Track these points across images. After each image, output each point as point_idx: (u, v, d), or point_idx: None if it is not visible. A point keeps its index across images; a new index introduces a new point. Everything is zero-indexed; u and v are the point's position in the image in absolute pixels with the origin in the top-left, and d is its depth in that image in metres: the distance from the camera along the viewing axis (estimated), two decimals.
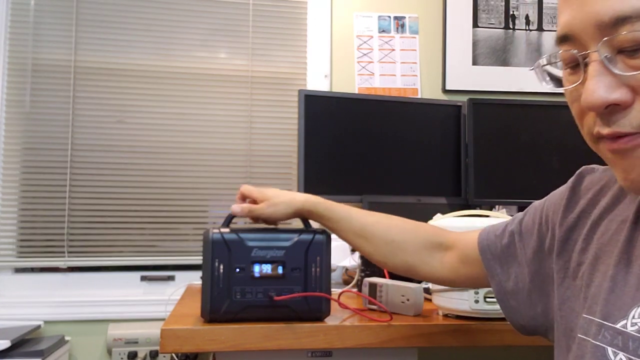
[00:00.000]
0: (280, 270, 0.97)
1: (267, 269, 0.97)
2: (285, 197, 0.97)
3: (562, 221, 0.67)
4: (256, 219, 0.99)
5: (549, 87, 0.58)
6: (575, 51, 0.51)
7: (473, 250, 0.81)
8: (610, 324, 0.54)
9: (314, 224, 1.00)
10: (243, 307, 0.96)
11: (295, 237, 0.99)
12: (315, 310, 0.99)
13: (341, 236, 0.95)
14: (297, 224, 1.04)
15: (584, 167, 0.70)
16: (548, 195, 0.74)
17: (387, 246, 0.89)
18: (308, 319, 0.99)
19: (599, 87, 0.48)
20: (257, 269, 0.97)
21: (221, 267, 0.96)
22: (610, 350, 0.53)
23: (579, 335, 0.58)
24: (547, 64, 0.57)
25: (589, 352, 0.55)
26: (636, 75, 0.47)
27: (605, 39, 0.47)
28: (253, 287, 0.96)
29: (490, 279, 0.78)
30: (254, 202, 0.99)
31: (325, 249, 1.00)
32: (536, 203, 0.76)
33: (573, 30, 0.50)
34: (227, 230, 0.98)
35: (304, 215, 0.98)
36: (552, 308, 0.68)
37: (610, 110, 0.49)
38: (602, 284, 0.57)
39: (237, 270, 0.96)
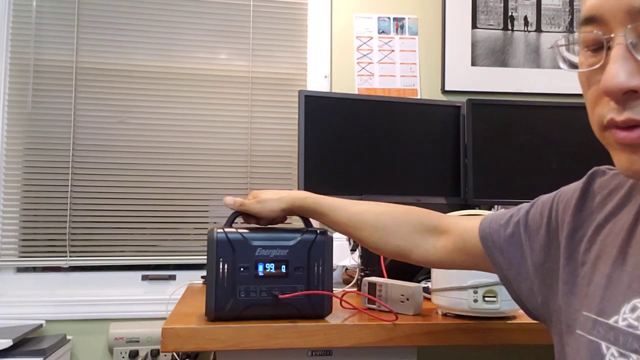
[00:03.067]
0: (283, 269, 0.99)
1: (270, 267, 0.98)
2: (274, 195, 0.98)
3: (570, 219, 0.67)
4: (248, 218, 1.01)
5: (565, 67, 0.57)
6: (600, 33, 0.50)
7: (473, 237, 0.80)
8: (603, 320, 0.56)
9: (315, 223, 1.02)
10: (247, 305, 0.97)
11: (298, 237, 1.00)
12: (317, 309, 1.00)
13: (333, 227, 0.96)
14: (298, 223, 1.04)
15: (596, 168, 0.70)
16: (558, 191, 0.73)
17: (378, 233, 0.90)
18: (310, 317, 1.00)
19: (621, 71, 0.48)
20: (260, 268, 0.98)
21: (225, 266, 0.97)
22: (603, 344, 0.55)
23: (577, 332, 0.60)
24: (563, 45, 0.56)
25: (584, 347, 0.57)
26: None
27: (634, 24, 0.47)
28: (257, 285, 0.97)
29: (492, 267, 0.78)
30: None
31: (327, 248, 1.02)
32: (544, 197, 0.75)
33: (601, 12, 0.49)
34: (231, 229, 0.99)
35: (295, 212, 0.99)
36: (553, 301, 0.69)
37: (627, 97, 0.49)
38: (600, 282, 0.59)
39: (242, 269, 0.97)
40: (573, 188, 0.71)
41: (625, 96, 0.49)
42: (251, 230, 1.00)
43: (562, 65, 0.57)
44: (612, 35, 0.49)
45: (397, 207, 0.93)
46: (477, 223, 0.81)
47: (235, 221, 1.02)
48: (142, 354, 1.74)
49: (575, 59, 0.55)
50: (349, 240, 1.57)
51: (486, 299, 1.02)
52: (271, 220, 1.02)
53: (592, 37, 0.51)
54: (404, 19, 2.05)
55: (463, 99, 1.83)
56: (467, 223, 0.84)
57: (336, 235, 1.60)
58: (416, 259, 0.89)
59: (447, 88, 2.04)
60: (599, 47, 0.51)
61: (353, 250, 1.54)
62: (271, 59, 2.01)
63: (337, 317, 1.04)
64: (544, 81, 2.07)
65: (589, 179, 0.69)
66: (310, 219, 1.05)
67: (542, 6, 2.10)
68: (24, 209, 1.85)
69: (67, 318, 1.80)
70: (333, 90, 1.99)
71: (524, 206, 0.78)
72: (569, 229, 0.67)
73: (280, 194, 0.98)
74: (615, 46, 0.48)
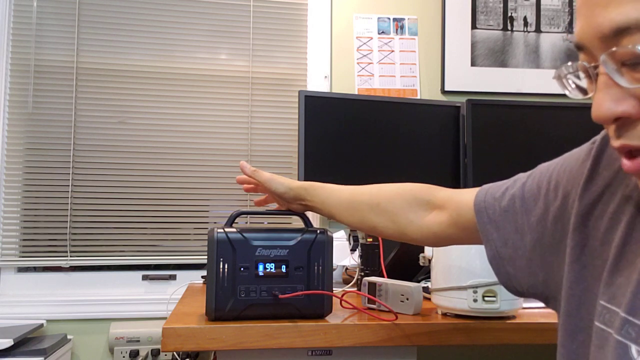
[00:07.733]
0: (283, 269, 0.99)
1: (270, 267, 0.99)
2: (286, 178, 1.03)
3: (583, 193, 0.61)
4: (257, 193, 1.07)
5: (573, 96, 0.55)
6: (585, 63, 0.49)
7: (468, 211, 0.77)
8: (636, 321, 0.51)
9: (315, 221, 1.02)
10: (247, 305, 0.98)
11: (299, 237, 1.01)
12: (317, 308, 1.01)
13: (333, 213, 0.96)
14: (298, 223, 1.05)
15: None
16: (559, 159, 0.69)
17: (372, 211, 0.89)
18: (310, 317, 1.01)
19: (605, 99, 0.47)
20: (261, 267, 0.99)
21: (226, 266, 0.97)
22: (634, 348, 0.50)
23: (597, 324, 0.55)
24: (567, 74, 0.54)
25: (610, 346, 0.52)
26: None
27: (609, 51, 0.46)
28: (257, 285, 0.98)
29: (484, 243, 0.74)
30: (255, 187, 1.08)
31: (327, 248, 1.02)
32: (543, 166, 0.71)
33: (582, 41, 0.49)
34: (231, 229, 0.99)
35: (301, 195, 0.99)
36: (554, 279, 0.65)
37: (621, 123, 0.48)
38: (632, 275, 0.53)
39: (242, 269, 0.98)
40: (580, 156, 0.65)
41: (619, 123, 0.48)
42: (251, 230, 1.01)
43: (568, 93, 0.55)
44: (594, 64, 0.48)
45: (393, 184, 0.91)
46: (473, 196, 0.78)
47: (236, 221, 1.03)
48: (142, 353, 1.75)
49: (585, 83, 0.53)
50: (349, 240, 1.57)
51: (486, 298, 1.02)
52: (276, 195, 1.03)
53: (582, 66, 0.50)
54: (403, 19, 2.05)
55: (463, 99, 1.84)
56: (462, 195, 0.80)
57: (336, 235, 1.61)
58: (411, 237, 0.86)
59: (446, 88, 2.04)
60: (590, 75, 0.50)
61: (353, 250, 1.55)
62: (271, 59, 2.01)
63: (337, 316, 1.05)
64: (544, 81, 2.07)
65: (600, 144, 0.63)
66: (310, 219, 1.06)
67: (542, 6, 2.10)
68: (25, 209, 1.86)
69: (67, 318, 1.80)
70: (333, 91, 1.99)
71: (521, 177, 0.74)
72: (583, 205, 0.61)
73: (290, 180, 1.02)
74: (599, 75, 0.48)
